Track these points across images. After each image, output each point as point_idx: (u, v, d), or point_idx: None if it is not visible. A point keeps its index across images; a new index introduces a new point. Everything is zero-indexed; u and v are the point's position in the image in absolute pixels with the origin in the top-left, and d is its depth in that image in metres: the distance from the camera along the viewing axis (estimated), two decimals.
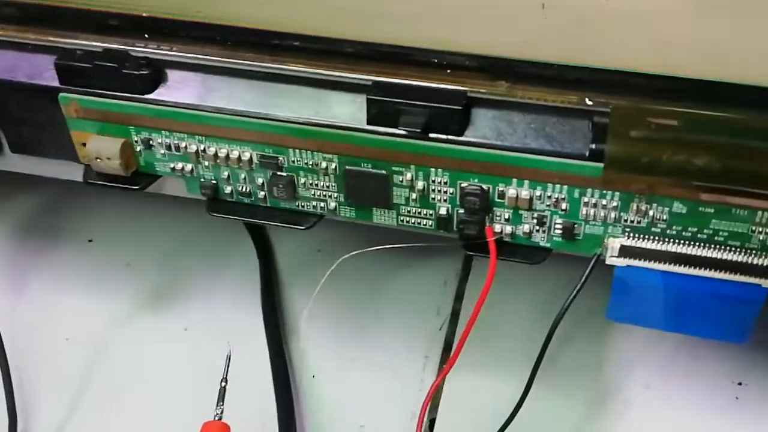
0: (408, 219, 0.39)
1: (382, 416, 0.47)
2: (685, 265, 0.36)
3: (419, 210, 0.39)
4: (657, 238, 0.36)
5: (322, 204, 0.40)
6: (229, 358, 0.41)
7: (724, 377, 0.47)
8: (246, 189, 0.41)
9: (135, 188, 0.41)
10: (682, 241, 0.36)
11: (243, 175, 0.40)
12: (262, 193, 0.41)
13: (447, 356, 0.50)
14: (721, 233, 0.35)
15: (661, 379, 0.48)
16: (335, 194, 0.40)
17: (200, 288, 0.54)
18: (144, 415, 0.49)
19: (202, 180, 0.41)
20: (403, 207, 0.39)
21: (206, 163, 0.40)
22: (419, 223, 0.39)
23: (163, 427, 0.48)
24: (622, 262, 0.37)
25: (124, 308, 0.53)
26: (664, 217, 0.35)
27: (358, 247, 0.53)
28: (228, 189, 0.41)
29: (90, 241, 0.56)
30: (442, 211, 0.38)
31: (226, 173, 0.40)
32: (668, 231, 0.36)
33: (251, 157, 0.39)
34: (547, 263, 0.51)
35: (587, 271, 0.37)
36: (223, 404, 0.41)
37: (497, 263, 0.38)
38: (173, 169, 0.41)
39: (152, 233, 0.57)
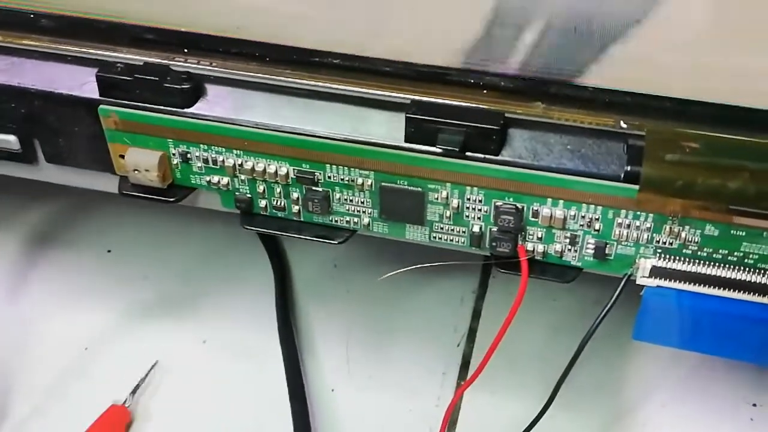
0: (440, 236, 0.40)
1: (401, 430, 0.47)
2: (714, 287, 0.36)
3: (452, 227, 0.39)
4: (688, 259, 0.36)
5: (355, 219, 0.41)
6: (152, 367, 0.48)
7: (740, 398, 0.47)
8: (280, 203, 0.41)
9: (170, 200, 0.41)
10: (712, 263, 0.36)
11: (278, 190, 0.41)
12: (296, 207, 0.41)
13: (464, 373, 0.50)
14: (751, 256, 0.35)
15: (678, 399, 0.48)
16: (369, 210, 0.40)
17: (218, 302, 0.53)
18: (163, 428, 0.49)
19: (237, 194, 0.41)
20: (437, 224, 0.39)
21: (242, 177, 0.40)
22: (451, 240, 0.40)
23: None
24: (653, 282, 0.37)
25: (141, 319, 0.52)
26: (696, 239, 0.36)
27: (376, 262, 0.54)
28: (263, 203, 0.41)
29: (109, 251, 0.56)
30: (476, 229, 0.39)
31: (261, 187, 0.41)
32: (699, 253, 0.36)
33: (287, 172, 0.39)
34: (573, 286, 0.52)
35: (617, 292, 0.37)
36: (133, 398, 0.47)
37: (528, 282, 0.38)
38: (209, 182, 0.41)
39: (170, 246, 0.57)
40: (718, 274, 0.36)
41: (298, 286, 0.54)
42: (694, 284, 0.36)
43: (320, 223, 0.41)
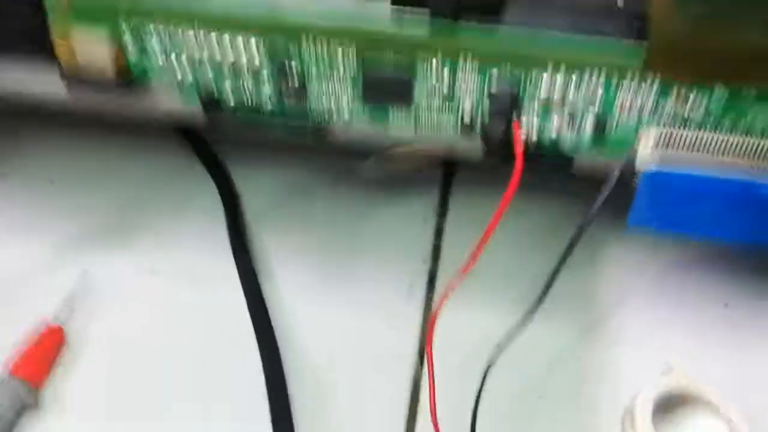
0: (428, 118, 0.36)
1: (373, 351, 0.44)
2: (720, 157, 0.34)
3: (442, 107, 0.36)
4: (695, 128, 0.34)
5: (334, 106, 0.37)
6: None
7: (711, 300, 0.46)
8: (250, 94, 0.37)
9: (123, 90, 0.36)
10: (720, 131, 0.34)
11: (249, 79, 0.36)
12: (269, 97, 0.37)
13: (431, 288, 0.47)
14: (760, 123, 0.33)
15: (651, 303, 0.46)
16: (349, 93, 0.36)
17: (165, 231, 0.48)
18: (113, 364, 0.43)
19: (201, 86, 0.36)
20: (424, 104, 0.36)
21: (208, 66, 0.36)
22: (440, 124, 0.36)
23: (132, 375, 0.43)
24: (655, 157, 0.35)
25: (82, 249, 0.47)
26: (704, 104, 0.33)
27: (331, 184, 0.50)
28: (229, 95, 0.37)
29: (52, 182, 0.50)
30: (467, 107, 0.35)
31: (229, 78, 0.36)
32: (708, 119, 0.34)
33: (260, 56, 0.35)
34: (532, 196, 0.49)
35: (615, 173, 0.35)
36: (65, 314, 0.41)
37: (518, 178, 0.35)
38: (168, 72, 0.36)
39: (114, 175, 0.51)
40: (725, 141, 0.33)
41: (249, 210, 0.49)
42: (699, 156, 0.34)
43: (294, 114, 0.37)
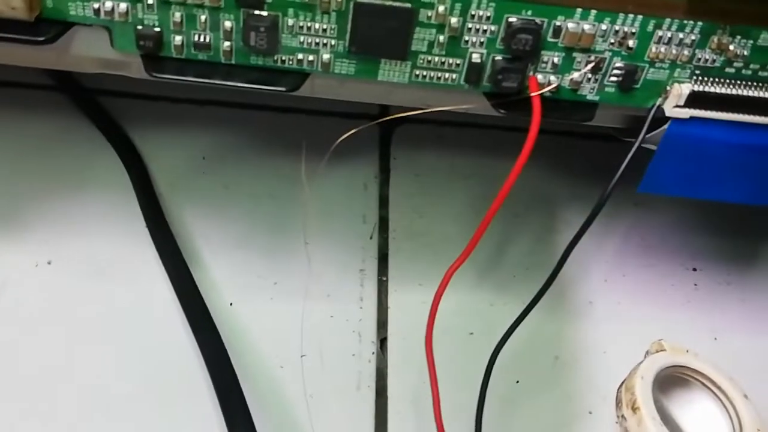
0: (426, 72, 0.29)
1: (325, 342, 0.37)
2: (752, 112, 0.30)
3: (444, 59, 0.29)
4: (730, 81, 0.29)
5: (311, 57, 0.29)
6: None
7: (678, 265, 0.42)
8: (205, 38, 0.28)
9: (39, 39, 0.27)
10: (756, 83, 0.29)
11: (203, 18, 0.28)
12: (227, 43, 0.29)
13: (384, 267, 0.41)
14: None
15: (618, 272, 0.42)
16: (333, 41, 0.29)
17: (62, 214, 0.39)
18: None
19: (141, 27, 0.28)
20: (423, 56, 0.29)
21: (149, 1, 0.27)
22: (439, 78, 0.30)
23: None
24: (685, 113, 0.30)
25: None
26: (745, 53, 0.29)
27: (252, 150, 0.42)
28: (178, 39, 0.28)
29: None
30: (475, 58, 0.29)
31: (178, 15, 0.28)
32: (744, 71, 0.29)
33: None
34: (485, 157, 0.44)
35: (645, 127, 0.30)
36: None
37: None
38: (97, 11, 0.27)
39: None
40: (761, 96, 0.29)
41: (161, 185, 0.40)
42: (732, 112, 0.29)
43: (259, 66, 0.29)
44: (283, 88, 0.29)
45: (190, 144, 0.42)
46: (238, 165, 0.42)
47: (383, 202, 0.42)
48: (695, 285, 0.41)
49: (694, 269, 0.42)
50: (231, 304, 0.37)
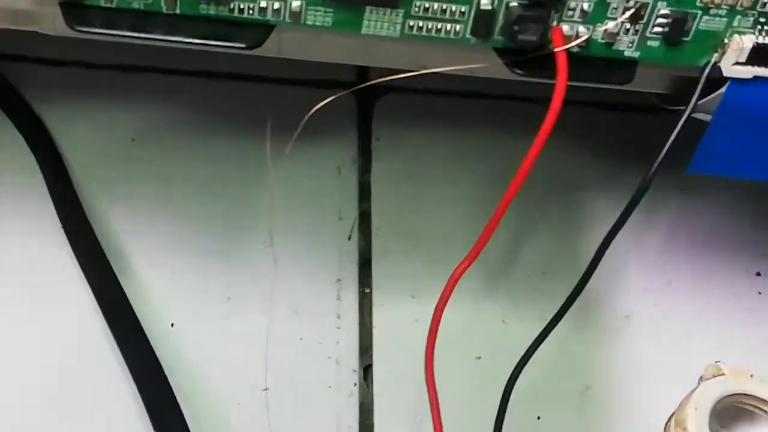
0: (423, 23, 0.30)
1: (294, 372, 0.38)
2: None
3: (446, 5, 0.30)
4: None
5: (277, 4, 0.30)
6: None
7: (738, 268, 0.43)
8: None
9: None
10: None
11: None
12: None
13: (366, 276, 0.41)
14: None
15: (662, 279, 0.43)
16: None
17: None
18: None
19: None
20: (419, 2, 0.30)
21: None
22: (440, 29, 0.30)
23: None
24: (749, 71, 0.31)
25: None
26: None
27: (191, 128, 0.43)
28: None
29: None
30: (485, 3, 0.30)
31: None
32: None
33: None
34: (491, 135, 0.45)
35: (698, 90, 0.31)
36: None
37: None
38: None
39: None
40: None
41: (79, 174, 0.41)
42: None
43: (211, 16, 0.29)
44: (242, 44, 0.29)
45: (114, 121, 0.43)
46: (179, 147, 0.42)
47: (364, 193, 0.43)
48: (759, 293, 0.42)
49: (758, 273, 0.43)
50: (172, 324, 0.38)
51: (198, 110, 0.43)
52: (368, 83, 0.36)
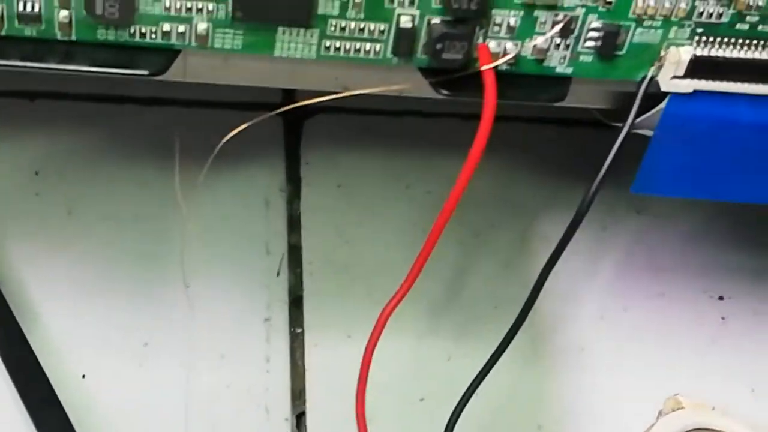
0: (340, 43, 0.32)
1: (219, 423, 0.39)
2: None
3: (363, 24, 0.31)
4: (744, 40, 0.32)
5: (182, 27, 0.31)
6: None
7: (699, 292, 0.45)
8: (33, 7, 0.30)
9: None
10: None
11: None
12: (65, 13, 0.31)
13: (298, 315, 0.42)
14: None
15: (619, 306, 0.44)
16: (211, 5, 0.31)
17: None
18: None
19: None
20: (335, 21, 0.31)
21: None
22: (358, 50, 0.32)
23: None
24: (688, 85, 0.32)
25: None
26: (760, 3, 0.32)
27: (104, 158, 0.44)
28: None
29: None
30: (405, 22, 0.31)
31: None
32: (761, 27, 0.32)
33: None
34: (430, 156, 0.46)
35: (635, 107, 0.32)
36: None
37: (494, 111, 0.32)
38: None
39: None
40: None
41: None
42: (748, 82, 0.32)
43: (110, 42, 0.30)
44: (143, 71, 0.31)
45: (15, 154, 0.43)
46: (86, 181, 0.43)
47: (293, 225, 0.44)
48: (723, 318, 0.44)
49: (721, 297, 0.45)
50: (83, 376, 0.39)
51: (104, 139, 0.44)
52: (294, 105, 0.37)
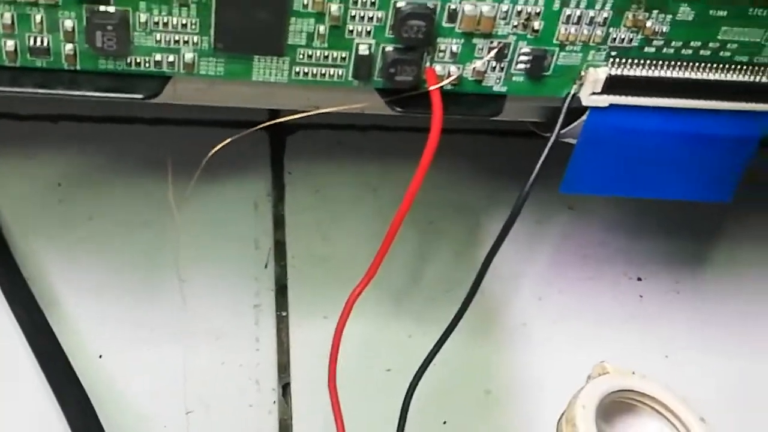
0: (308, 69, 0.30)
1: (216, 394, 0.38)
2: (677, 96, 0.32)
3: (327, 52, 0.30)
4: (651, 61, 0.31)
5: (171, 57, 0.30)
6: None
7: (621, 274, 0.44)
8: (42, 41, 0.29)
9: None
10: (680, 63, 0.31)
11: (38, 17, 0.28)
12: (70, 46, 0.29)
13: (283, 300, 0.41)
14: (729, 46, 0.31)
15: (554, 288, 0.43)
16: (196, 38, 0.29)
17: None
18: None
19: None
20: (302, 50, 0.30)
21: None
22: (324, 74, 0.31)
23: None
24: (605, 100, 0.31)
25: None
26: (664, 29, 0.31)
27: (118, 171, 0.43)
28: (10, 44, 0.29)
29: None
30: (363, 50, 0.30)
31: (7, 16, 0.28)
32: (665, 50, 0.31)
33: None
34: (394, 164, 0.45)
35: (560, 120, 0.31)
36: None
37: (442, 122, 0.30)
38: None
39: None
40: (686, 77, 0.31)
41: (9, 219, 0.40)
42: (655, 96, 0.31)
43: (110, 71, 0.29)
44: (139, 95, 0.29)
45: (42, 168, 0.42)
46: (103, 190, 0.42)
47: (278, 224, 0.43)
48: (641, 297, 0.43)
49: (639, 278, 0.43)
50: (100, 356, 0.37)
51: (116, 153, 0.43)
52: (272, 122, 0.36)
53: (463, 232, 0.44)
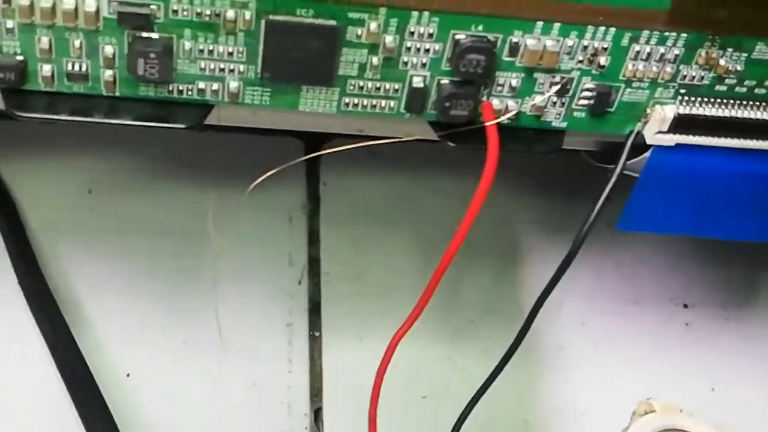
0: (358, 100, 0.29)
1: (247, 418, 0.37)
2: (747, 136, 0.30)
3: (379, 84, 0.28)
4: (722, 100, 0.29)
5: (215, 85, 0.28)
6: None
7: (666, 300, 0.42)
8: (80, 67, 0.27)
9: None
10: (752, 102, 0.29)
11: (78, 42, 0.27)
12: (109, 72, 0.28)
13: (316, 319, 0.40)
14: None
15: (595, 312, 0.42)
16: (242, 66, 0.28)
17: None
18: None
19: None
20: (353, 81, 0.28)
21: (10, 24, 0.26)
22: (374, 107, 0.29)
23: None
24: (671, 139, 0.30)
25: None
26: (738, 68, 0.29)
27: (150, 179, 0.41)
28: (47, 69, 0.27)
29: None
30: (417, 83, 0.28)
31: (45, 40, 0.26)
32: (737, 89, 0.29)
33: (97, 6, 0.26)
34: (434, 177, 0.43)
35: (622, 160, 0.29)
36: None
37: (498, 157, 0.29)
38: None
39: None
40: (757, 117, 0.29)
41: (36, 226, 0.39)
42: (724, 137, 0.29)
43: (150, 98, 0.28)
44: (180, 125, 0.28)
45: (72, 174, 0.41)
46: (134, 197, 0.41)
47: (313, 239, 0.42)
48: (687, 324, 0.41)
49: (686, 305, 0.42)
50: (128, 375, 0.36)
51: (149, 160, 0.41)
52: (315, 154, 0.35)
53: (501, 250, 0.42)
